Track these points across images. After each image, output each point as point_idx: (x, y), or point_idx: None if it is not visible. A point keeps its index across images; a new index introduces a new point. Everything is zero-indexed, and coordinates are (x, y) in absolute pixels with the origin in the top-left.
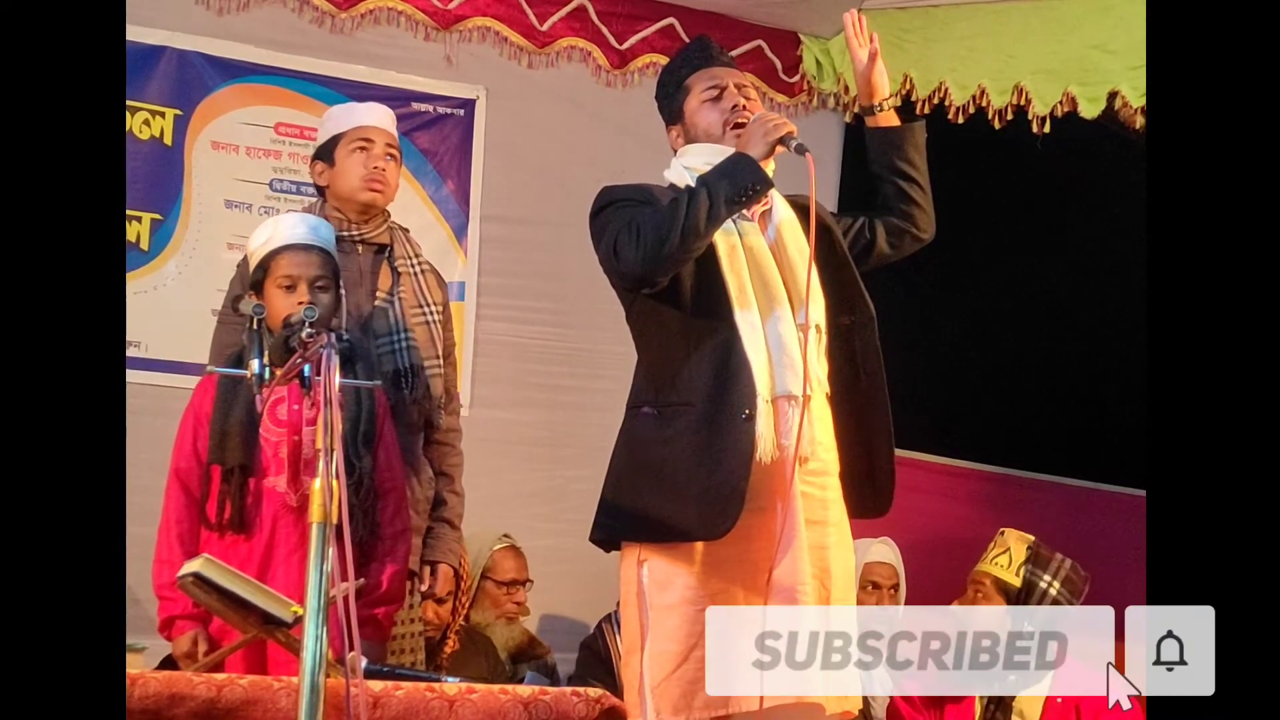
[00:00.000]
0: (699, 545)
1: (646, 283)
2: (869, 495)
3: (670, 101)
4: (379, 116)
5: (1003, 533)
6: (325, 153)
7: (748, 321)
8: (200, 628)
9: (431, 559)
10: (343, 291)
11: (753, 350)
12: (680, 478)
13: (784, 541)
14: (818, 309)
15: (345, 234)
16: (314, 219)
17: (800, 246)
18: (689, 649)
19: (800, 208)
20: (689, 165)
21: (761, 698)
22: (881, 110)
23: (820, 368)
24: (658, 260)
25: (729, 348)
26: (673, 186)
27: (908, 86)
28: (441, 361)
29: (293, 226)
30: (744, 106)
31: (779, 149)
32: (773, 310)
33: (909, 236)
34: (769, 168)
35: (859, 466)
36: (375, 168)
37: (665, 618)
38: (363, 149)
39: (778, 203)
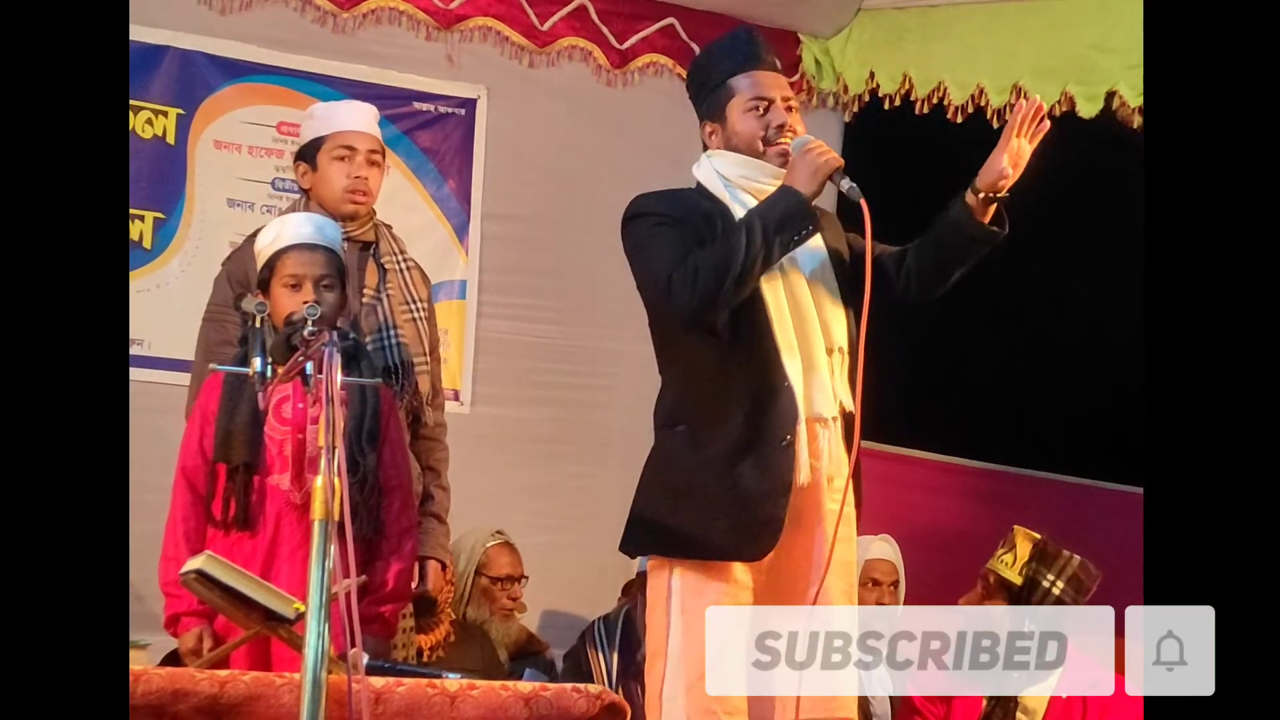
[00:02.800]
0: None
1: (696, 325)
2: None
3: (710, 96)
4: (361, 120)
5: (1013, 529)
6: (308, 154)
7: (786, 343)
8: (205, 624)
9: (421, 554)
10: (349, 291)
11: (792, 373)
12: (718, 501)
13: (819, 564)
14: (840, 331)
15: None
16: (320, 218)
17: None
18: None
19: (829, 216)
20: (724, 172)
21: (798, 699)
22: (993, 201)
23: (843, 388)
24: (714, 306)
25: (768, 370)
26: (700, 187)
27: (907, 86)
28: (428, 357)
29: (299, 226)
30: (789, 126)
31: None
32: (806, 332)
33: (914, 294)
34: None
35: None
36: (357, 177)
37: (697, 622)
38: (345, 158)
39: None
